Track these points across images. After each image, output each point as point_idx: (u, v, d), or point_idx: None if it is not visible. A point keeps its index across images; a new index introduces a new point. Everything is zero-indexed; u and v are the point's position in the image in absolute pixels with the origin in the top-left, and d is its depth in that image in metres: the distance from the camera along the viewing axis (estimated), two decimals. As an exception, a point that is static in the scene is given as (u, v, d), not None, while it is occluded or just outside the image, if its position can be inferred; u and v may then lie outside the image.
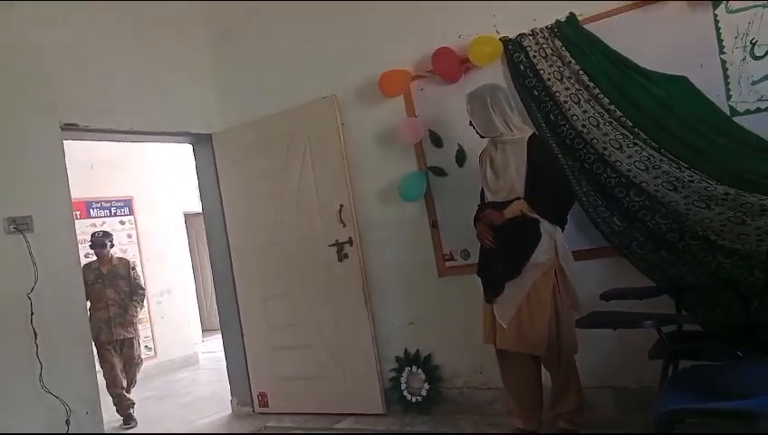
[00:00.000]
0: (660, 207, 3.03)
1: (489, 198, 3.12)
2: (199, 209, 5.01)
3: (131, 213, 7.33)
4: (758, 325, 2.61)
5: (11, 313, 3.30)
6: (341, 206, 4.10)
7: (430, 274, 3.89)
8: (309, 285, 4.27)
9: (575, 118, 3.18)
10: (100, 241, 5.27)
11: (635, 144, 3.02)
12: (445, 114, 3.73)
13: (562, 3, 3.27)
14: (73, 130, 3.79)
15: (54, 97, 3.68)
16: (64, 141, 3.74)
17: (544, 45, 3.29)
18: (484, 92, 3.07)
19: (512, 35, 3.43)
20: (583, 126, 3.16)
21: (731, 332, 2.71)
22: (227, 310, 4.72)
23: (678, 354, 2.50)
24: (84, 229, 6.18)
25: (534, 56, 3.33)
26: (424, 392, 3.91)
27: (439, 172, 3.81)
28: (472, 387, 3.81)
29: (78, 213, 6.31)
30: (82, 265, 4.08)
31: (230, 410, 4.76)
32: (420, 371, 3.94)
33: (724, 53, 2.95)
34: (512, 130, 3.04)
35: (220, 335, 4.97)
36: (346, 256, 4.10)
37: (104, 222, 6.82)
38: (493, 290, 3.03)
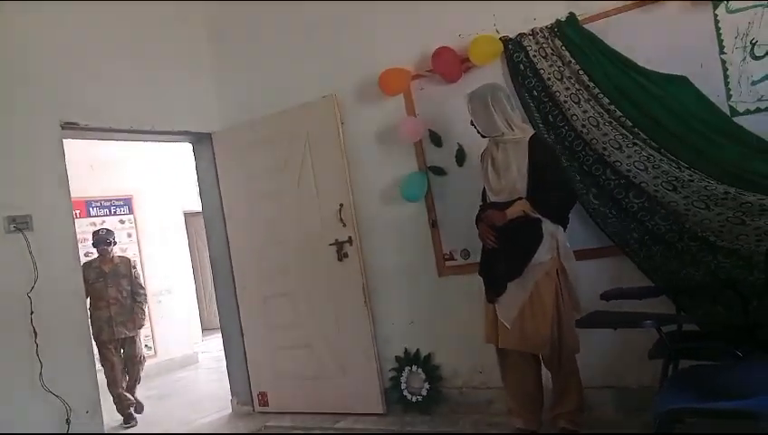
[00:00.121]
0: (660, 208, 3.03)
1: (491, 198, 3.11)
2: (199, 208, 5.01)
3: (131, 212, 7.34)
4: (757, 325, 2.62)
5: (11, 312, 3.30)
6: (341, 205, 4.10)
7: (430, 273, 3.89)
8: (309, 284, 4.27)
9: (575, 118, 3.19)
10: (105, 238, 5.26)
11: (635, 144, 3.02)
12: (445, 114, 3.73)
13: (562, 2, 3.28)
14: (73, 129, 3.79)
15: (54, 96, 3.67)
16: (64, 140, 3.74)
17: (544, 45, 3.30)
18: (485, 92, 3.07)
19: (512, 35, 3.43)
20: (583, 126, 3.16)
21: (731, 331, 2.71)
22: (227, 309, 4.72)
23: (678, 354, 2.50)
24: (84, 228, 6.19)
25: (534, 56, 3.33)
26: (424, 392, 3.91)
27: (439, 172, 3.81)
28: (472, 387, 3.81)
29: (78, 212, 6.31)
30: (82, 263, 4.08)
31: (230, 410, 4.77)
32: (420, 370, 3.94)
33: (725, 53, 2.95)
34: (513, 130, 3.04)
35: (220, 335, 4.97)
36: (346, 255, 4.10)
37: (104, 221, 6.83)
38: (495, 290, 3.03)
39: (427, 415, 3.87)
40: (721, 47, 2.95)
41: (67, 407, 3.40)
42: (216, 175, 4.67)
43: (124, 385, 5.19)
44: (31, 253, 3.39)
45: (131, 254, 6.65)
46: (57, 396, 3.37)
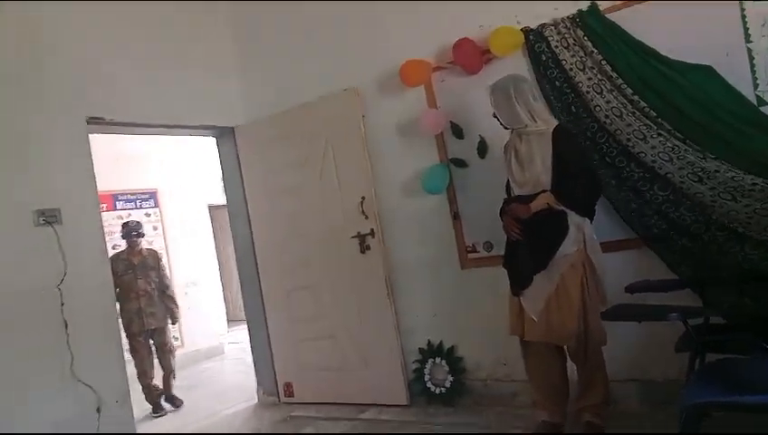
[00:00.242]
0: (685, 199, 2.99)
1: (515, 190, 3.09)
2: (223, 202, 5.06)
3: (156, 205, 7.44)
4: (786, 318, 2.58)
5: (42, 304, 3.37)
6: (363, 198, 4.12)
7: (453, 265, 3.89)
8: (332, 276, 4.30)
9: (598, 109, 3.15)
10: (136, 230, 5.33)
11: (659, 135, 2.98)
12: (466, 105, 3.71)
13: (585, -8, 3.24)
14: (99, 123, 3.84)
15: (80, 91, 3.73)
16: (90, 135, 3.80)
17: (566, 35, 3.26)
18: (508, 84, 3.04)
19: (533, 26, 3.40)
20: (606, 117, 3.13)
21: (758, 324, 2.67)
22: (252, 301, 4.77)
23: (705, 347, 2.48)
24: (110, 222, 6.29)
25: (556, 46, 3.30)
26: (447, 384, 3.92)
27: (461, 164, 3.81)
28: (495, 379, 3.81)
29: (104, 205, 6.41)
30: (111, 256, 4.15)
31: (256, 400, 4.83)
32: (444, 362, 3.95)
33: (751, 41, 2.88)
34: (536, 122, 3.01)
35: (244, 326, 5.03)
36: (368, 247, 4.12)
37: (130, 214, 6.92)
38: (520, 283, 3.02)
39: (451, 407, 3.88)
40: (747, 36, 2.89)
41: (98, 396, 3.48)
42: (240, 168, 4.72)
43: (153, 375, 5.26)
44: (60, 246, 3.46)
45: (158, 247, 6.74)
46: (88, 386, 3.45)
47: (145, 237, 5.67)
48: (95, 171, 3.75)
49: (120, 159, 6.75)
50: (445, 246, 3.91)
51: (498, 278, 3.23)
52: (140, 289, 5.19)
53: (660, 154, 2.99)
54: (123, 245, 5.47)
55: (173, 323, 5.46)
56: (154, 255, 5.47)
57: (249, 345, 4.93)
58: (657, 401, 3.20)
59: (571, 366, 3.09)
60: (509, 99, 3.01)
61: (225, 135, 4.76)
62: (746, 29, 2.89)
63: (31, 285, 3.35)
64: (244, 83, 4.70)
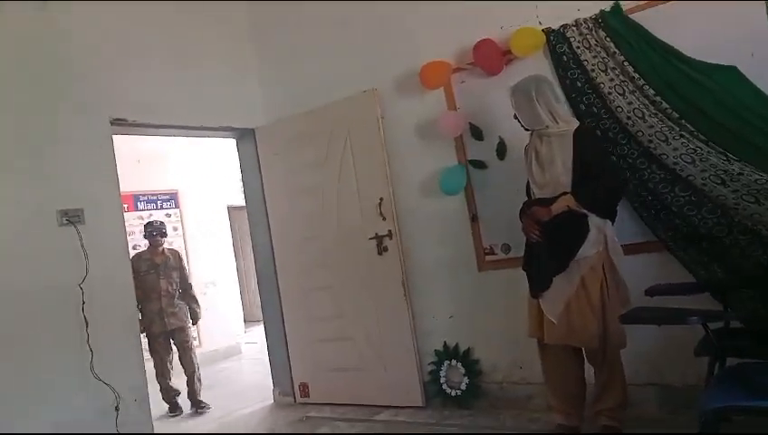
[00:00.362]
0: (707, 201, 2.95)
1: (535, 192, 3.07)
2: (242, 203, 5.09)
3: (177, 206, 7.52)
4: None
5: (64, 302, 3.43)
6: (381, 199, 4.12)
7: (470, 267, 3.88)
8: (349, 277, 4.31)
9: (619, 110, 3.13)
10: (159, 230, 5.31)
11: (681, 136, 2.95)
12: (486, 107, 3.70)
13: (606, -8, 3.22)
14: (122, 124, 3.89)
15: (104, 93, 3.79)
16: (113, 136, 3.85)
17: (588, 36, 3.24)
18: (529, 85, 3.03)
19: (554, 26, 3.39)
20: (628, 118, 3.10)
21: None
22: (270, 302, 4.79)
23: (725, 352, 2.44)
24: (132, 222, 6.36)
25: (578, 47, 3.28)
26: (463, 386, 3.91)
27: (480, 165, 3.79)
28: (511, 382, 3.79)
29: (126, 206, 6.49)
30: (133, 255, 4.18)
31: (272, 400, 4.85)
32: (460, 364, 3.94)
33: (777, 41, 2.85)
34: (558, 123, 2.99)
35: (262, 326, 5.05)
36: (386, 249, 4.12)
37: (151, 215, 6.99)
38: (539, 285, 2.99)
39: (467, 409, 3.87)
40: (773, 35, 2.85)
41: (116, 395, 3.52)
42: (259, 169, 4.75)
43: (171, 376, 5.27)
44: (83, 245, 3.51)
45: (178, 247, 6.79)
46: (107, 384, 3.49)
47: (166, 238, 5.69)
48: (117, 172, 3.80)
49: (141, 161, 6.84)
50: (462, 247, 3.90)
51: (515, 281, 3.22)
52: (162, 289, 5.17)
53: (682, 156, 2.96)
54: (143, 245, 5.50)
55: (194, 324, 5.46)
56: (176, 255, 5.46)
57: (266, 345, 4.95)
58: (675, 405, 3.16)
59: (588, 369, 3.06)
60: (530, 100, 2.99)
61: (245, 136, 4.79)
62: (772, 28, 2.85)
63: (53, 283, 3.41)
64: (264, 85, 4.74)
